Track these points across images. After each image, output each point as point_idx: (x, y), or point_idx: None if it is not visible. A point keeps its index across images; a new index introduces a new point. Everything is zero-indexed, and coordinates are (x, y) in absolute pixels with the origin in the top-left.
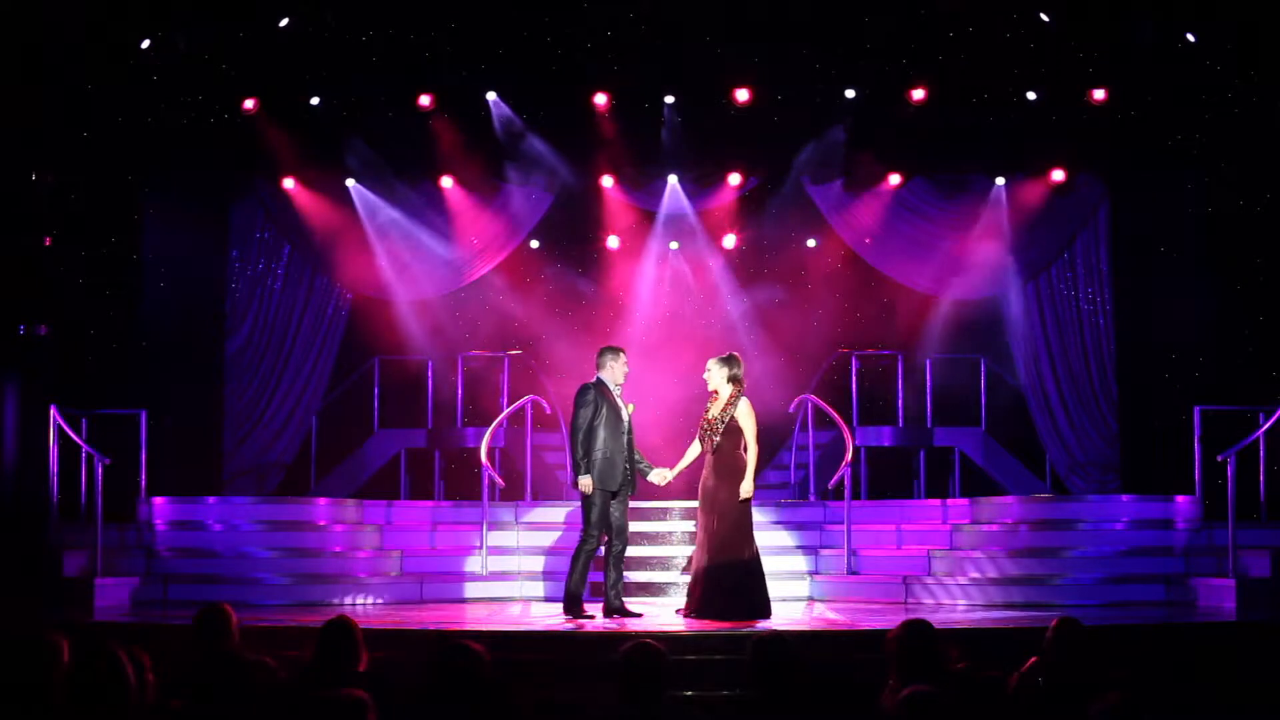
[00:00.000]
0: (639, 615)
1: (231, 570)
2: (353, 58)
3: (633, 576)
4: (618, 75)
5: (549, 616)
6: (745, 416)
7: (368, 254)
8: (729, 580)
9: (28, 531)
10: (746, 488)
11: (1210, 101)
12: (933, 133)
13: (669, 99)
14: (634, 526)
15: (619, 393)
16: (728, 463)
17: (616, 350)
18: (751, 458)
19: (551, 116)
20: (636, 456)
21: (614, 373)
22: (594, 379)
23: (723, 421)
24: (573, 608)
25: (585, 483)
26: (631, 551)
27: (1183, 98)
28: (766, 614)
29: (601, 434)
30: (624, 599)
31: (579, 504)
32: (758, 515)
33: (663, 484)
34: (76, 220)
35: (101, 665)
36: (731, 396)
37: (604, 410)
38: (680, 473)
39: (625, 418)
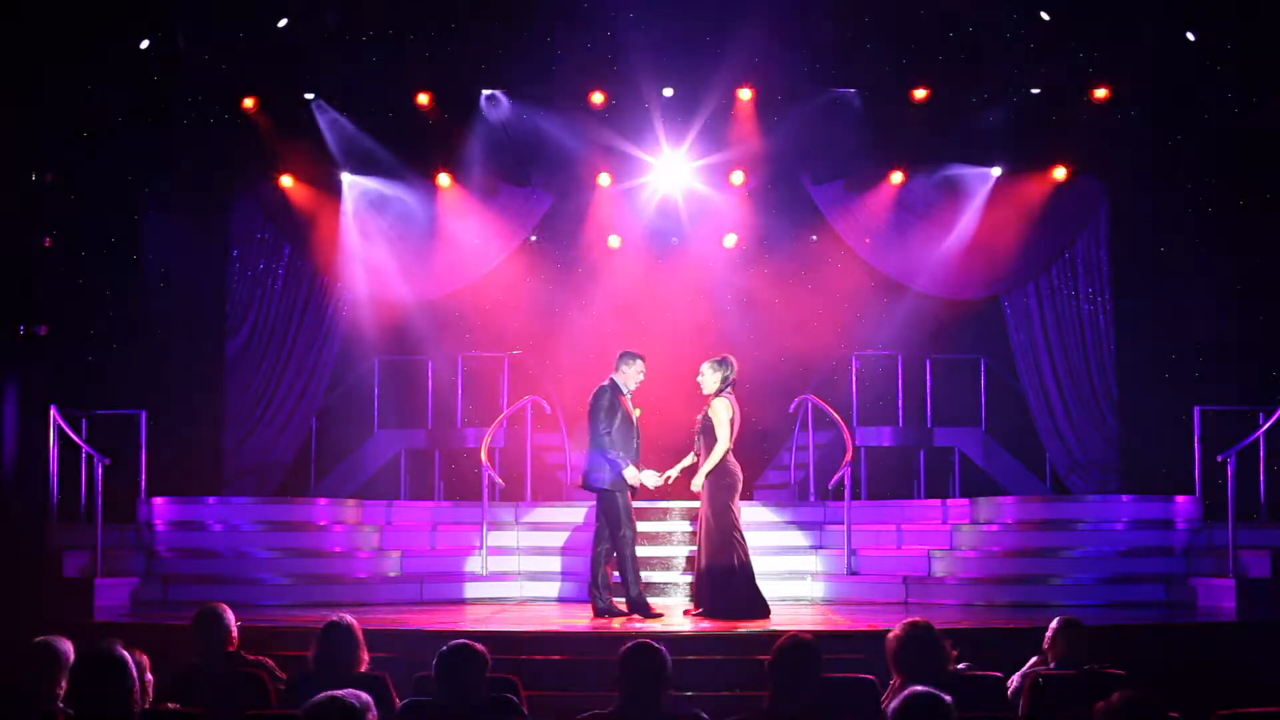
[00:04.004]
0: (625, 614)
1: (231, 570)
2: (353, 58)
3: None
4: (618, 74)
5: (549, 616)
6: (717, 411)
7: (367, 254)
8: (720, 579)
9: (28, 532)
10: (696, 480)
11: (1210, 101)
12: (933, 132)
13: (668, 94)
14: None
15: (630, 397)
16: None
17: (635, 356)
18: (716, 452)
19: (550, 115)
20: None
21: (628, 377)
22: (607, 381)
23: (702, 421)
24: (642, 610)
25: (650, 477)
26: None
27: (1183, 98)
28: (763, 614)
29: (617, 439)
30: (614, 599)
31: (578, 504)
32: (758, 515)
33: (654, 486)
34: (76, 220)
35: (104, 665)
36: (713, 395)
37: (620, 414)
38: (681, 474)
39: (634, 422)
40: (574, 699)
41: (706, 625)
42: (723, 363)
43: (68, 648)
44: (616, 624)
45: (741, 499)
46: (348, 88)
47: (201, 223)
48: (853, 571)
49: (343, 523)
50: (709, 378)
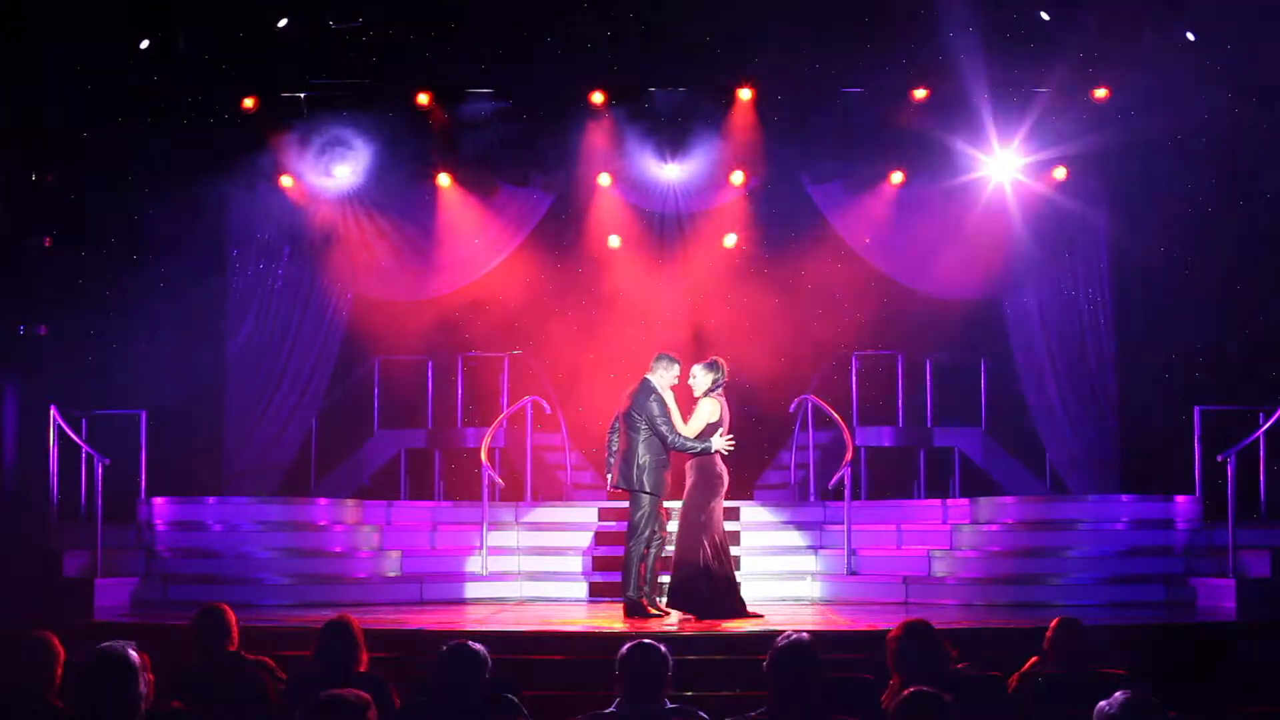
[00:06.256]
0: (666, 614)
1: (232, 570)
2: (352, 58)
3: None
4: (617, 74)
5: (549, 616)
6: (700, 407)
7: (367, 254)
8: (688, 577)
9: (28, 532)
10: (719, 443)
11: (1210, 101)
12: (933, 131)
13: (668, 96)
14: None
15: None
16: (696, 461)
17: (674, 360)
18: (684, 425)
19: (550, 115)
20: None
21: (664, 380)
22: (643, 381)
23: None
24: (638, 611)
25: (722, 442)
26: None
27: (1182, 97)
28: (735, 614)
29: (656, 441)
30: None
31: (578, 505)
32: (758, 515)
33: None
34: (76, 220)
35: (114, 668)
36: (702, 396)
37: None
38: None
39: None
40: (574, 699)
41: (706, 625)
42: (713, 365)
43: (57, 645)
44: (616, 625)
45: (742, 499)
46: (348, 88)
47: (201, 223)
48: (852, 571)
49: (343, 523)
50: (700, 379)
